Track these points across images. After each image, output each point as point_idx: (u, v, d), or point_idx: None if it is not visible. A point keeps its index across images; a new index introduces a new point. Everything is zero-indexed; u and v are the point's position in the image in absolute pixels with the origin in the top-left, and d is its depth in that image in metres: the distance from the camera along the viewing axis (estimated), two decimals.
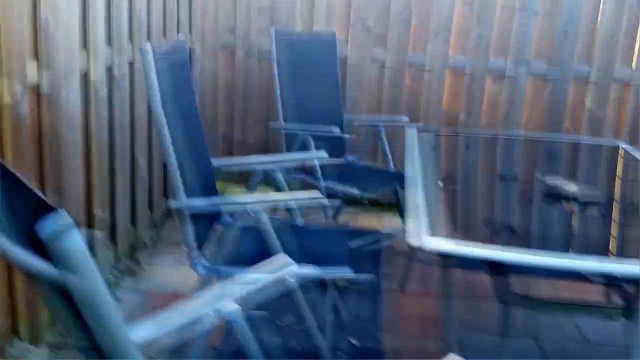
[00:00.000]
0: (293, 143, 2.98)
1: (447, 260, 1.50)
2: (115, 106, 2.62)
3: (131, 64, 2.78)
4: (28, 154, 1.97)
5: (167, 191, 3.43)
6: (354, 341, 2.32)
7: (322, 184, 2.79)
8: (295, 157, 2.37)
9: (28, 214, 0.79)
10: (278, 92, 3.07)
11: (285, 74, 3.11)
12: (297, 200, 1.83)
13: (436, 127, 3.69)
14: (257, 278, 1.19)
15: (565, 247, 1.66)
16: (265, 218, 1.79)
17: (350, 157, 3.34)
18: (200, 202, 1.89)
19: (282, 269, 1.23)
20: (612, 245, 1.62)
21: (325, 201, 1.80)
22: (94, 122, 2.42)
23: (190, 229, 1.89)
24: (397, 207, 3.17)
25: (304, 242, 2.10)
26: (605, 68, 3.60)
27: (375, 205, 3.83)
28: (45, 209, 0.72)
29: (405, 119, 3.29)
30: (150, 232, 3.19)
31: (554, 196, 1.90)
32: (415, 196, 1.73)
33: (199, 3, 3.68)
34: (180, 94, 1.96)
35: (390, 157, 3.22)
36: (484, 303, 2.71)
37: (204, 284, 1.93)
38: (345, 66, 3.69)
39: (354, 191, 2.77)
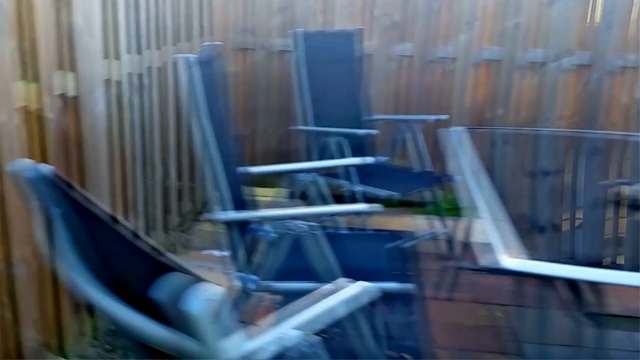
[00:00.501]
0: (321, 145, 2.88)
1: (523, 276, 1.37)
2: (138, 112, 2.53)
3: (159, 69, 2.68)
4: (56, 163, 1.89)
5: (182, 195, 3.33)
6: (406, 357, 2.22)
7: (358, 187, 2.69)
8: (338, 163, 2.25)
9: (142, 275, 0.69)
10: (304, 93, 2.97)
11: (310, 75, 3.00)
12: (352, 212, 1.73)
13: (472, 124, 3.56)
14: (327, 303, 1.08)
15: None
16: (318, 231, 1.69)
17: (380, 158, 3.22)
18: (248, 215, 1.78)
19: (352, 293, 1.13)
20: None
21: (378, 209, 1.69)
22: (118, 130, 2.32)
23: (237, 243, 1.79)
24: (434, 207, 3.06)
25: (354, 254, 2.00)
26: None
27: (401, 205, 3.71)
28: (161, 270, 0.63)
29: (444, 117, 3.17)
30: (169, 237, 3.10)
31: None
32: (489, 208, 1.60)
33: (216, 5, 3.57)
34: (216, 103, 1.86)
35: (425, 156, 3.09)
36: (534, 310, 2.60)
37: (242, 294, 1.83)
38: (367, 63, 3.57)
39: (394, 194, 2.66)
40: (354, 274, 1.79)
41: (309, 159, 2.94)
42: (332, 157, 2.72)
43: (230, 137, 1.96)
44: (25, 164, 0.83)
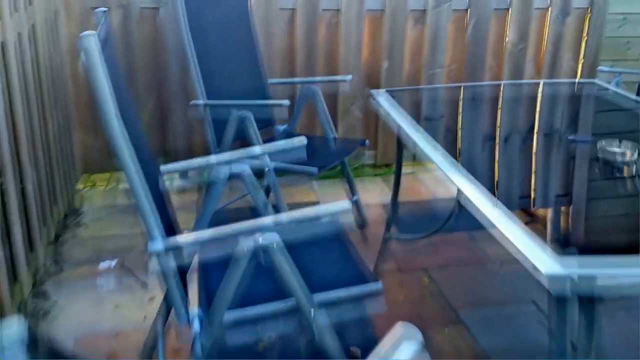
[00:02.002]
0: (219, 122, 2.50)
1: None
2: None
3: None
4: None
5: (57, 199, 2.74)
6: (354, 349, 2.00)
7: (271, 165, 2.35)
8: (272, 149, 1.88)
9: None
10: (193, 62, 2.53)
11: (196, 40, 2.55)
12: (325, 215, 1.41)
13: (362, 79, 3.35)
14: None
15: None
16: (280, 243, 1.37)
17: (280, 128, 2.90)
18: (197, 238, 1.39)
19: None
20: None
21: (350, 208, 1.40)
22: None
23: (174, 279, 1.41)
24: (345, 177, 2.84)
25: (313, 262, 1.69)
26: None
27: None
28: None
29: (348, 77, 2.90)
30: (50, 253, 2.55)
31: (611, 163, 1.63)
32: (480, 196, 1.39)
33: None
34: (120, 88, 1.41)
35: (330, 122, 2.83)
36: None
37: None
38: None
39: (313, 170, 2.37)
40: (317, 284, 1.51)
41: (212, 140, 2.53)
42: (239, 134, 2.36)
43: (137, 130, 1.53)
44: None
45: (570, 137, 1.83)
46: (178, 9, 2.51)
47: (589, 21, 3.53)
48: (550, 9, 3.49)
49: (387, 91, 2.29)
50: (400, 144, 2.42)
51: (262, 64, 2.87)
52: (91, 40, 1.19)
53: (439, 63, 3.49)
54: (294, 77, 3.33)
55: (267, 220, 1.36)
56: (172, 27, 3.09)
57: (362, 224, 2.87)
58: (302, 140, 1.81)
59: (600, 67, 2.85)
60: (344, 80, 2.93)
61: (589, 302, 1.12)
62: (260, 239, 1.36)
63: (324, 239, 1.73)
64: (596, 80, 2.55)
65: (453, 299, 2.29)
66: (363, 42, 3.39)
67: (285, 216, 1.38)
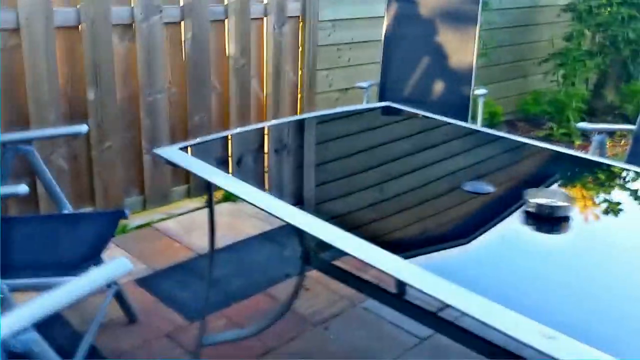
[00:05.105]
0: None
1: None
2: None
3: None
4: None
5: None
6: None
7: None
8: (82, 292, 0.97)
9: None
10: None
11: None
12: None
13: (63, 115, 2.46)
14: None
15: None
16: None
17: None
18: None
19: None
20: None
21: None
22: None
23: None
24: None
25: None
26: (241, 6, 3.04)
27: None
28: None
29: (84, 128, 2.01)
30: None
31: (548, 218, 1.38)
32: None
33: None
34: None
35: (56, 190, 1.96)
36: None
37: None
38: None
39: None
40: None
41: None
42: None
43: None
44: None
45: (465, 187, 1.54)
46: None
47: (303, 30, 3.35)
48: (266, 18, 3.18)
49: (180, 149, 1.63)
50: (212, 204, 1.78)
51: None
52: None
53: (158, 87, 2.85)
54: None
55: None
56: None
57: (132, 318, 2.11)
58: (124, 266, 1.05)
59: (359, 83, 2.65)
60: (79, 133, 2.06)
61: None
62: None
63: None
64: (389, 103, 2.32)
65: None
66: (57, 68, 2.52)
67: None
